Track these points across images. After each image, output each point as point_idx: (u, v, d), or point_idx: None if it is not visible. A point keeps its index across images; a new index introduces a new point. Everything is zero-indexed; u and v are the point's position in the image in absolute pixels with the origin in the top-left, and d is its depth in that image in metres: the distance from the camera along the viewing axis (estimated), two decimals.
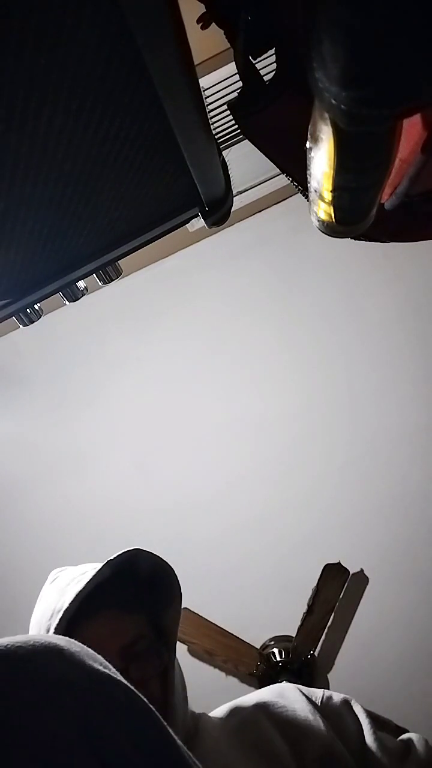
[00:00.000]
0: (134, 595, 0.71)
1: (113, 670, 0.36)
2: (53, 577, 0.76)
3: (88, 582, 0.64)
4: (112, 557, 0.67)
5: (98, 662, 0.35)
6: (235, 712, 0.71)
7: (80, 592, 0.63)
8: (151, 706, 0.35)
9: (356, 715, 0.68)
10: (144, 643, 0.66)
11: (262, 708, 0.69)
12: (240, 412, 2.14)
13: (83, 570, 0.70)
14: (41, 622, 0.66)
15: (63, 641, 0.35)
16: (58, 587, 0.69)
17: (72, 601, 0.63)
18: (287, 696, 0.70)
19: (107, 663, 0.36)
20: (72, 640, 0.36)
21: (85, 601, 0.64)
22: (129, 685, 0.35)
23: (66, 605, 0.63)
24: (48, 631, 0.63)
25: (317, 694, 0.70)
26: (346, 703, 0.70)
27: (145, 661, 0.65)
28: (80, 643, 0.36)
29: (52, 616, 0.64)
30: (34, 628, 0.68)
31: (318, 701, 0.69)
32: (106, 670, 0.35)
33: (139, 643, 0.66)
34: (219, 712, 0.74)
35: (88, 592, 0.64)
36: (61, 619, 0.62)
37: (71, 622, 0.63)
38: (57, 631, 0.61)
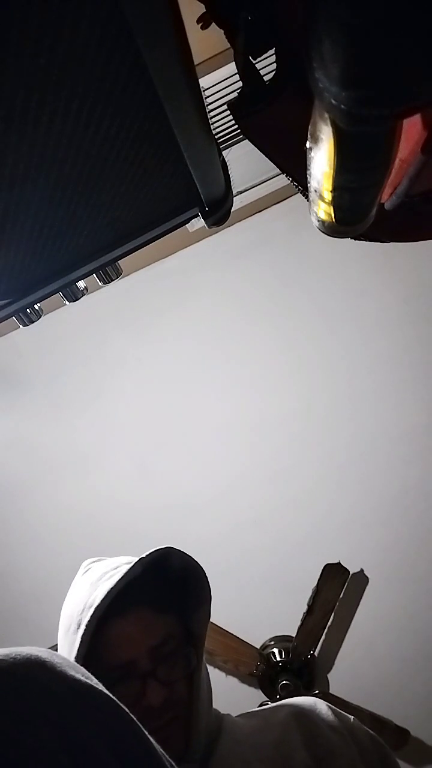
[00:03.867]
0: (165, 594, 0.70)
1: (95, 681, 0.36)
2: (85, 568, 0.75)
3: (120, 579, 0.63)
4: (144, 554, 0.66)
5: (80, 673, 0.35)
6: (264, 715, 0.71)
7: (112, 588, 0.63)
8: (132, 716, 0.35)
9: (386, 752, 0.68)
10: (173, 643, 0.66)
11: (293, 714, 0.69)
12: (240, 412, 2.14)
13: (116, 564, 0.69)
14: (73, 615, 0.66)
15: (45, 653, 0.35)
16: (90, 581, 0.69)
17: (104, 598, 0.62)
18: (320, 711, 0.70)
19: (89, 674, 0.36)
20: (54, 652, 0.36)
21: (116, 598, 0.63)
22: (111, 695, 0.35)
23: (97, 601, 0.62)
24: (79, 625, 0.63)
25: (349, 718, 0.70)
26: (375, 739, 0.69)
27: (174, 663, 0.65)
28: (62, 655, 0.37)
29: (83, 610, 0.64)
30: (66, 619, 0.68)
31: (349, 726, 0.68)
32: (88, 681, 0.35)
33: (169, 643, 0.65)
34: (247, 712, 0.74)
35: (120, 588, 0.63)
36: (92, 616, 0.62)
37: (102, 618, 0.63)
38: (88, 626, 0.61)
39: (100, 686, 0.36)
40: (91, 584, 0.67)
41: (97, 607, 0.62)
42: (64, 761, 0.30)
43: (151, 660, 0.63)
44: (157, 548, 0.66)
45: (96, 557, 0.78)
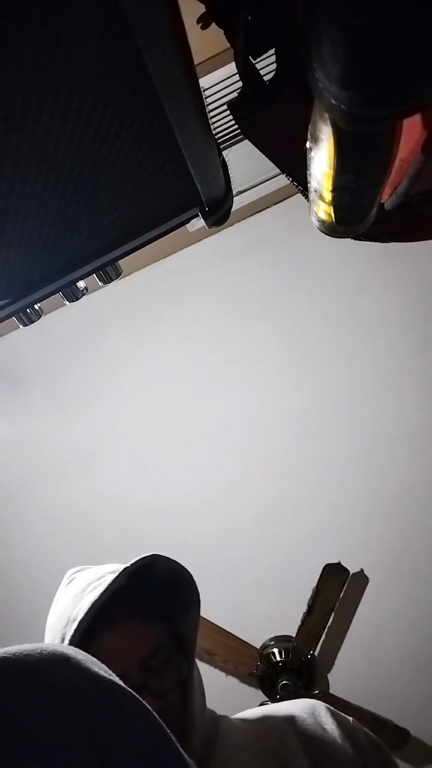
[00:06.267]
0: (152, 603, 0.69)
1: (117, 677, 0.36)
2: (69, 577, 0.74)
3: (104, 591, 0.62)
4: (128, 564, 0.64)
5: (103, 670, 0.36)
6: (263, 719, 0.70)
7: (96, 601, 0.61)
8: (154, 713, 0.35)
9: (385, 754, 0.67)
10: (163, 653, 0.65)
11: (290, 720, 0.68)
12: (240, 412, 2.14)
13: (100, 574, 0.68)
14: (56, 628, 0.65)
15: (70, 650, 0.35)
16: (74, 592, 0.67)
17: (87, 611, 0.61)
18: (318, 714, 0.69)
19: (111, 671, 0.36)
20: (78, 649, 0.36)
21: (101, 611, 0.62)
22: (133, 692, 0.35)
23: (81, 615, 0.61)
24: (63, 639, 0.61)
25: (348, 720, 0.69)
26: (375, 741, 0.69)
27: (165, 674, 0.63)
28: (85, 652, 0.36)
29: (67, 624, 0.63)
30: (50, 631, 0.67)
31: (348, 729, 0.67)
32: (111, 677, 0.35)
33: (159, 654, 0.64)
34: (245, 715, 0.73)
35: (104, 601, 0.62)
36: (76, 630, 0.60)
37: (88, 632, 0.61)
38: (72, 641, 0.60)
39: (122, 683, 0.36)
40: (74, 596, 0.66)
41: (81, 620, 0.60)
42: (92, 757, 0.30)
43: (141, 673, 0.62)
44: (142, 556, 0.65)
45: (80, 566, 0.76)
